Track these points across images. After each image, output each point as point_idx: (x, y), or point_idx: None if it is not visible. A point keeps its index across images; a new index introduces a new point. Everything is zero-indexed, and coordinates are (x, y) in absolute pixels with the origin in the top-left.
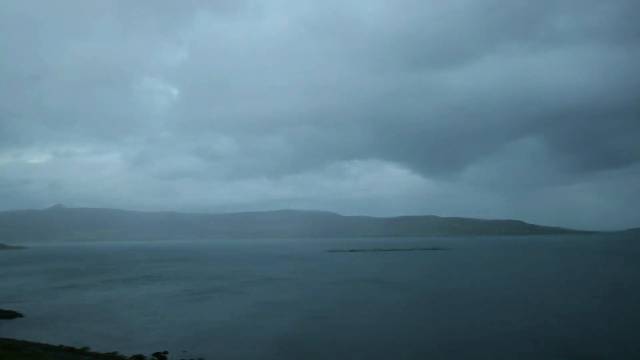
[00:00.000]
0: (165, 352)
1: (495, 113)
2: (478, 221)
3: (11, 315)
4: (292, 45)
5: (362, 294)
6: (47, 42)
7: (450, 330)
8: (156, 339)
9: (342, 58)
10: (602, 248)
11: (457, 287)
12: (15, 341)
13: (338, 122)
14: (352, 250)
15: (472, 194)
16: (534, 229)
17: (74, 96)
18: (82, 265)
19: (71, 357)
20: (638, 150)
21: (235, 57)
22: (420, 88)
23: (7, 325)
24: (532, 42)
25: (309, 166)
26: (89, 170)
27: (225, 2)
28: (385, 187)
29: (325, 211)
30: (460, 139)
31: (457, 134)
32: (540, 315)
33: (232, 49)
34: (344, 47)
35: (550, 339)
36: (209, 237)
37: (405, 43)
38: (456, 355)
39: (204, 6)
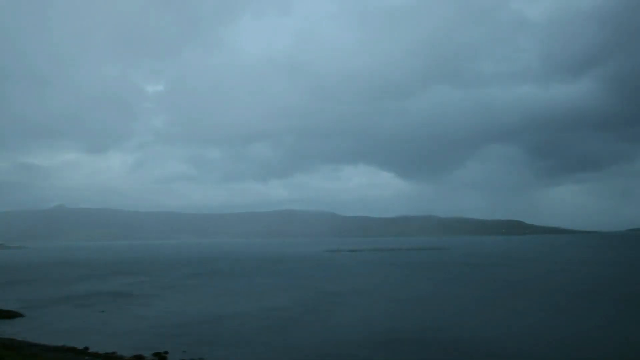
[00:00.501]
0: (166, 352)
1: (457, 128)
2: (478, 221)
3: (11, 315)
4: (267, 75)
5: None
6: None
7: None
8: (157, 339)
9: (304, 89)
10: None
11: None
12: (15, 341)
13: (317, 134)
14: (353, 250)
15: (470, 195)
16: (533, 229)
17: (82, 111)
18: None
19: (72, 357)
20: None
21: (216, 85)
22: (383, 111)
23: (8, 325)
24: (461, 83)
25: (303, 169)
26: (91, 172)
27: (210, 40)
28: (383, 189)
29: (325, 211)
30: (440, 146)
31: (434, 142)
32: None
33: (213, 79)
34: (306, 80)
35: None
36: (209, 237)
37: (360, 81)
38: None
39: (191, 45)
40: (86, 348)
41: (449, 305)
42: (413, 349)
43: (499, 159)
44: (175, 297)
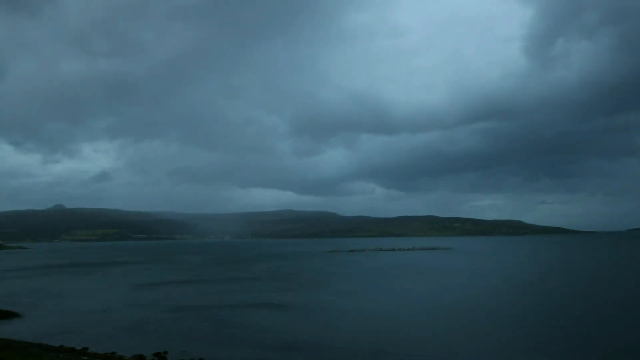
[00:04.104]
0: (165, 352)
1: None
2: (478, 221)
3: (10, 315)
4: None
5: None
6: None
7: None
8: (157, 338)
9: None
10: None
11: None
12: (14, 341)
13: None
14: (352, 251)
15: (471, 194)
16: (533, 229)
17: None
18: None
19: (71, 357)
20: None
21: None
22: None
23: (7, 325)
24: None
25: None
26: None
27: None
28: (383, 188)
29: (325, 211)
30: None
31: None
32: None
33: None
34: None
35: None
36: (209, 237)
37: None
38: None
39: None
40: (85, 348)
41: None
42: None
43: None
44: None
